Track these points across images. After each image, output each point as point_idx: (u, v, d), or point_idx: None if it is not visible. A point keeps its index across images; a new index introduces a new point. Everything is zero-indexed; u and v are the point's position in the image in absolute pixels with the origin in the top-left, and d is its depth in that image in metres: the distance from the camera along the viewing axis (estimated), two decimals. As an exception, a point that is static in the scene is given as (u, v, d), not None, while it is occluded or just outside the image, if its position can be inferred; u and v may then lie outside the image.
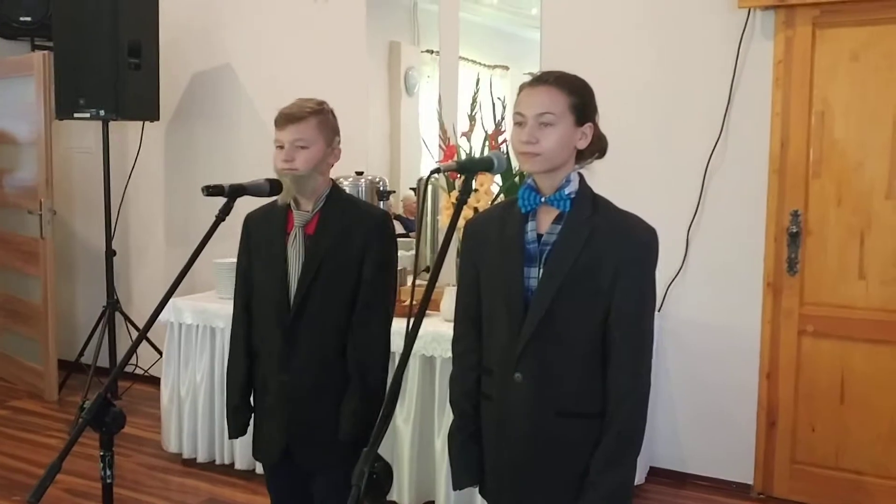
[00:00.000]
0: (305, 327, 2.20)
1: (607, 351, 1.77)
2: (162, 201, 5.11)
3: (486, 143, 3.38)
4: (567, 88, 1.76)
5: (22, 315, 5.07)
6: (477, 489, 1.96)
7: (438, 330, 3.23)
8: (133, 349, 1.87)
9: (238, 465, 3.78)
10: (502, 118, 3.36)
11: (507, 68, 4.28)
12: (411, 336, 1.56)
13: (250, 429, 2.36)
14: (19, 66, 4.84)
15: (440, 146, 3.52)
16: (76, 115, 4.49)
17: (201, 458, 3.86)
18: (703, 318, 3.64)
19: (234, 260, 2.42)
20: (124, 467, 3.78)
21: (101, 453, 1.78)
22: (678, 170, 3.64)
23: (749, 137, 3.50)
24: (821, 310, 3.44)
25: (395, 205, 4.41)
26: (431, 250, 3.87)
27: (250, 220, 2.34)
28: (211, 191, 1.99)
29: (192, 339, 3.85)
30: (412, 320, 1.58)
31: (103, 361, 4.76)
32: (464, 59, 4.14)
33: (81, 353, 4.93)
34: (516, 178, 3.17)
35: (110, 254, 4.77)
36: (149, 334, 1.90)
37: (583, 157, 1.83)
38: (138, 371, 5.00)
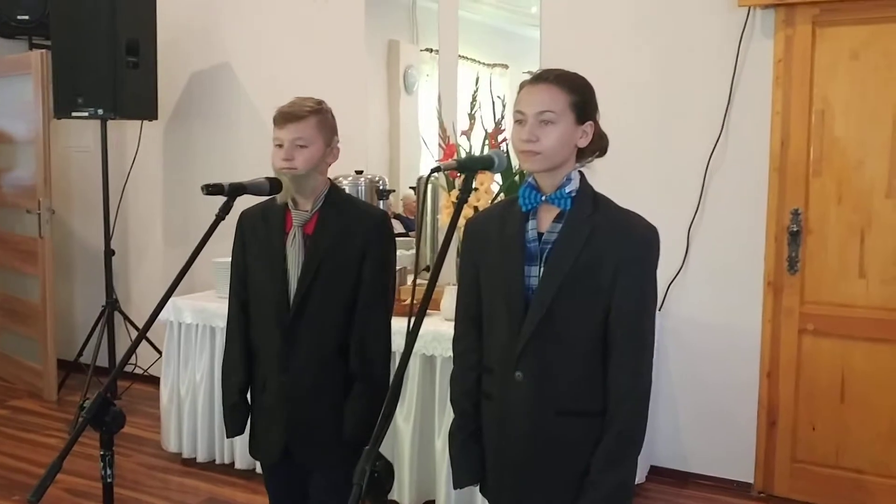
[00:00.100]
0: (305, 327, 2.20)
1: (608, 350, 1.77)
2: (161, 200, 5.11)
3: (486, 141, 3.38)
4: (567, 86, 1.76)
5: (21, 314, 5.06)
6: (477, 488, 1.96)
7: (439, 329, 3.22)
8: (133, 348, 1.87)
9: (238, 465, 3.77)
10: (502, 117, 3.36)
11: (506, 67, 4.28)
12: (412, 335, 1.55)
13: (248, 428, 2.36)
14: (17, 65, 4.83)
15: (440, 145, 3.52)
16: (74, 114, 4.48)
17: (201, 458, 3.86)
18: (704, 317, 3.64)
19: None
20: (124, 467, 3.77)
21: (102, 452, 1.77)
22: (678, 169, 3.64)
23: (749, 136, 3.50)
24: (821, 309, 3.44)
25: (395, 204, 4.41)
26: (431, 249, 3.86)
27: (245, 218, 2.32)
28: (211, 189, 1.99)
29: (192, 339, 3.85)
30: (413, 319, 1.58)
31: (102, 361, 4.75)
32: (463, 57, 4.13)
33: (80, 353, 4.93)
34: (516, 178, 3.17)
35: (109, 253, 4.77)
36: (148, 334, 1.89)
37: (583, 155, 1.82)
38: (138, 371, 5.00)
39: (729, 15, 3.48)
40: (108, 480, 1.79)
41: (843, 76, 3.33)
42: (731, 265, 3.58)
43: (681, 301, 3.67)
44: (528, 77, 1.80)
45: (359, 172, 3.96)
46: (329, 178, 2.26)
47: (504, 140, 3.31)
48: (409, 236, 4.29)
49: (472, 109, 3.47)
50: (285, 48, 4.54)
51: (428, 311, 1.72)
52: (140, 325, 4.52)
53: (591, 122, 1.79)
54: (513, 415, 1.81)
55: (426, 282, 1.62)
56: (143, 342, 4.28)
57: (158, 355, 4.48)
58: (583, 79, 1.81)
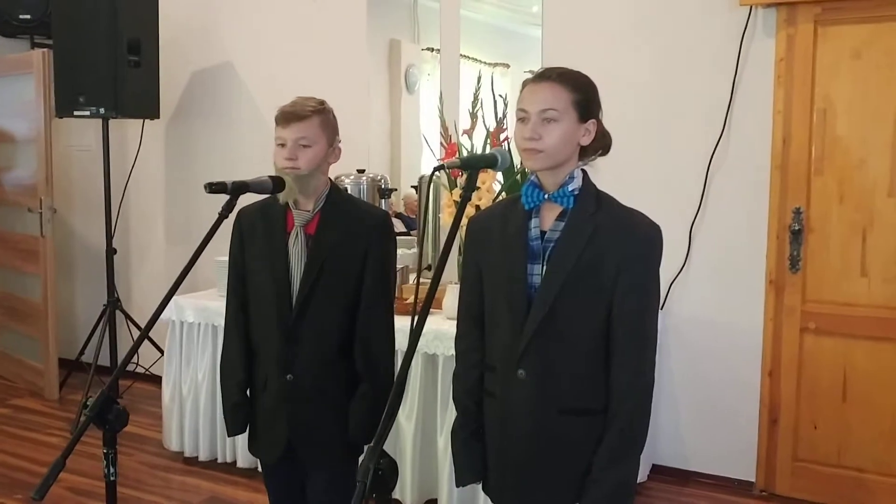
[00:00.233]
0: (307, 327, 2.19)
1: (610, 348, 1.77)
2: (162, 199, 5.11)
3: (488, 140, 3.37)
4: (570, 85, 1.75)
5: (22, 313, 5.06)
6: (480, 486, 1.95)
7: (441, 328, 3.22)
8: (135, 348, 1.86)
9: (240, 464, 3.77)
10: (504, 115, 3.36)
11: (507, 66, 4.28)
12: (416, 334, 1.55)
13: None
14: (19, 64, 4.83)
15: (441, 144, 3.52)
16: (76, 112, 4.48)
17: (203, 457, 3.86)
18: (706, 315, 3.64)
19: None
20: (126, 466, 3.77)
21: (105, 451, 1.77)
22: (680, 168, 3.64)
23: (751, 135, 3.50)
24: (823, 307, 3.44)
25: (397, 203, 4.41)
26: (433, 248, 3.86)
27: (244, 217, 2.30)
28: (214, 188, 1.98)
29: (194, 338, 3.85)
30: (416, 318, 1.57)
31: (104, 360, 4.75)
32: (464, 56, 4.13)
33: (82, 352, 4.92)
34: (518, 176, 3.17)
35: (110, 252, 4.77)
36: (150, 332, 1.89)
37: (586, 153, 1.82)
38: (139, 370, 4.99)
39: (730, 14, 3.48)
40: (112, 479, 1.79)
41: (845, 75, 3.33)
42: (733, 264, 3.58)
43: (682, 300, 3.67)
44: (530, 76, 1.80)
45: (360, 171, 3.96)
46: (329, 178, 2.26)
47: (506, 139, 3.31)
48: (410, 235, 4.29)
49: (473, 108, 3.47)
50: (287, 47, 4.54)
51: (430, 309, 1.72)
52: (141, 324, 4.53)
53: (593, 121, 1.78)
54: (515, 413, 1.81)
55: (429, 280, 1.62)
56: (145, 341, 4.28)
57: (160, 354, 4.48)
58: (586, 77, 1.81)
